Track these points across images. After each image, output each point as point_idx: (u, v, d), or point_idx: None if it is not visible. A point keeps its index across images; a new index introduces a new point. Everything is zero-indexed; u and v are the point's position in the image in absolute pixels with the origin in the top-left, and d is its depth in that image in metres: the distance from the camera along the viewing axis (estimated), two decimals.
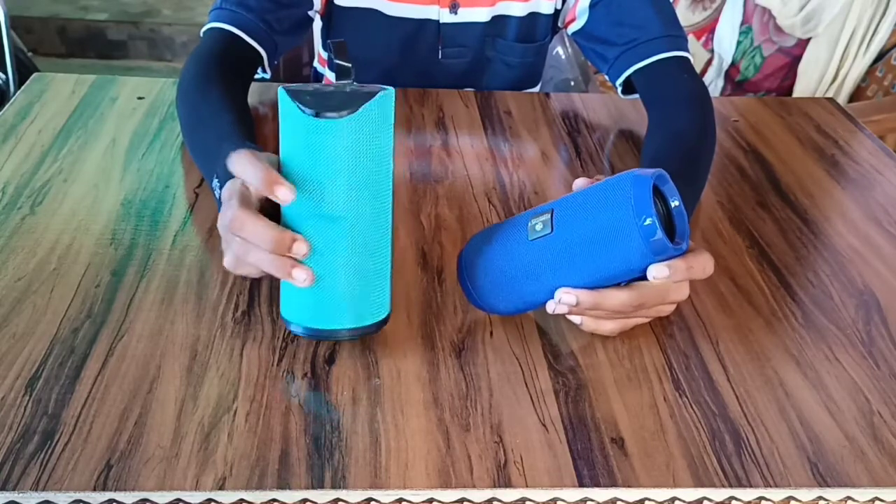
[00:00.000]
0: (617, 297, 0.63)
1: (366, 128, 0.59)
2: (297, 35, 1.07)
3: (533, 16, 1.13)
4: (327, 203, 0.60)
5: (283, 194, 0.59)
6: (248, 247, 0.61)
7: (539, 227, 0.64)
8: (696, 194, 0.83)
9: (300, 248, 0.60)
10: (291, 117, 0.60)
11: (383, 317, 0.65)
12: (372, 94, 0.60)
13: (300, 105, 0.59)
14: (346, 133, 0.59)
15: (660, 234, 0.60)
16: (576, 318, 0.66)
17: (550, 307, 0.64)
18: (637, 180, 0.61)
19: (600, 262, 0.62)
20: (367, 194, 0.60)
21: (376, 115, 0.60)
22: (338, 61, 0.64)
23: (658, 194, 0.63)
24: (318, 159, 0.59)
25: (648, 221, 0.60)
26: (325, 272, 0.61)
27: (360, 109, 0.59)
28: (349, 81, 0.63)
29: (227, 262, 0.64)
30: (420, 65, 1.14)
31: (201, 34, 0.98)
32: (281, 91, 0.61)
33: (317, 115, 0.58)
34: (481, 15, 1.11)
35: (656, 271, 0.61)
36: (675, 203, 0.63)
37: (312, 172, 0.60)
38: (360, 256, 0.62)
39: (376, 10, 1.09)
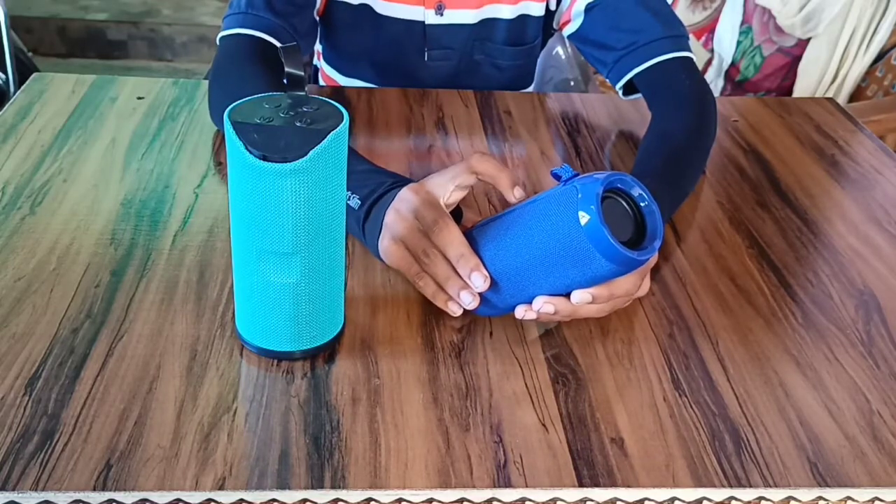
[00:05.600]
0: (588, 309, 0.65)
1: (316, 171, 0.56)
2: (312, 38, 1.07)
3: (522, 18, 1.11)
4: (275, 241, 0.58)
5: (518, 194, 0.67)
6: (433, 254, 0.66)
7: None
8: (678, 196, 0.83)
9: (477, 280, 0.64)
10: (237, 154, 0.56)
11: (336, 333, 0.65)
12: (323, 134, 0.56)
13: (246, 144, 0.55)
14: (295, 179, 0.55)
15: (611, 241, 0.59)
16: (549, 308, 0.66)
17: (520, 313, 0.65)
18: (583, 187, 0.60)
19: (560, 275, 0.62)
20: (317, 231, 0.58)
21: (327, 156, 0.56)
22: (289, 70, 0.59)
23: (626, 197, 0.63)
24: (265, 201, 0.56)
25: (586, 219, 0.59)
26: (276, 299, 0.60)
27: (309, 154, 0.55)
28: (302, 93, 0.59)
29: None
30: (407, 66, 1.14)
31: (217, 41, 0.96)
32: (227, 120, 0.57)
33: (263, 158, 0.55)
34: (468, 17, 1.10)
35: (579, 297, 0.63)
36: (642, 201, 0.63)
37: (259, 212, 0.57)
38: (312, 284, 0.60)
39: (369, 7, 1.09)
